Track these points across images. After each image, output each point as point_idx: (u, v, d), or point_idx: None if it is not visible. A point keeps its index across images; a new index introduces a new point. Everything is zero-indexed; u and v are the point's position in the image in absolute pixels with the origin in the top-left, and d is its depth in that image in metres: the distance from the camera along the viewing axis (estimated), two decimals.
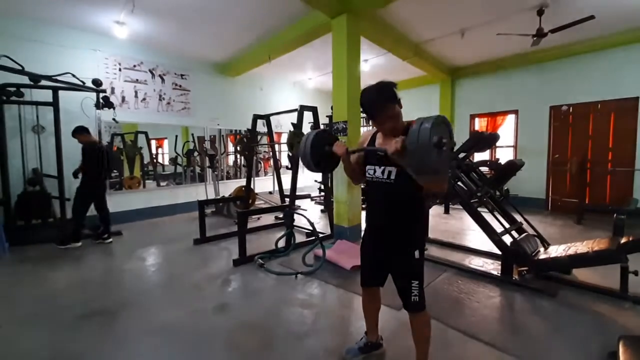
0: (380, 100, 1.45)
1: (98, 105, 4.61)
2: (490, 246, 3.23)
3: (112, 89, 5.30)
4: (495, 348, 1.94)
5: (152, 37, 5.29)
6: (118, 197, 5.51)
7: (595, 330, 2.12)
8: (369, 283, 1.77)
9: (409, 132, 1.25)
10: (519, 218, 3.38)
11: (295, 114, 4.35)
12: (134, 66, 5.58)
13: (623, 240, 2.50)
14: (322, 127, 5.20)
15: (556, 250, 2.87)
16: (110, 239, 4.37)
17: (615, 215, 2.86)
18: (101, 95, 4.62)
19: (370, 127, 6.87)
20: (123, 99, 5.46)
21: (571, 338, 2.04)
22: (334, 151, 1.62)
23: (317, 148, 1.66)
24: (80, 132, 4.13)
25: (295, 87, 8.52)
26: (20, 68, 3.96)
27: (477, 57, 6.60)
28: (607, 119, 5.64)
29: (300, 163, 1.77)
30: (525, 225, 3.31)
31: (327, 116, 6.25)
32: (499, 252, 3.05)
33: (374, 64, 6.44)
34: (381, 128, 1.53)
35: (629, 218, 2.99)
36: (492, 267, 3.24)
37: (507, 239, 2.98)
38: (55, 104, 4.29)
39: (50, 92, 4.25)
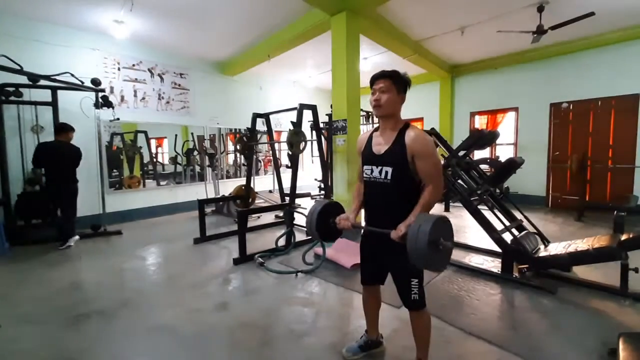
0: (380, 74, 1.53)
1: (97, 105, 4.60)
2: (490, 244, 3.22)
3: (111, 89, 5.29)
4: (496, 345, 1.93)
5: (151, 36, 5.28)
6: (118, 196, 5.51)
7: (596, 327, 2.12)
8: (369, 281, 1.77)
9: (409, 231, 1.31)
10: (519, 216, 3.38)
11: (295, 112, 4.34)
12: (133, 65, 5.57)
13: (623, 238, 2.49)
14: (321, 125, 5.19)
15: (556, 248, 2.87)
16: (66, 246, 3.99)
17: (615, 212, 2.86)
18: (100, 94, 4.61)
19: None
20: (122, 98, 5.45)
21: (571, 335, 2.04)
22: (339, 226, 1.67)
23: (323, 219, 1.71)
24: (68, 130, 4.12)
25: (295, 85, 8.51)
26: (18, 68, 3.95)
27: (477, 55, 6.59)
28: (608, 116, 5.63)
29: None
30: (525, 223, 3.31)
31: (326, 115, 6.24)
32: (499, 250, 3.05)
33: (373, 62, 6.42)
34: (372, 98, 1.55)
35: (629, 215, 2.99)
36: (492, 264, 3.24)
37: (507, 237, 2.97)
38: (54, 103, 4.30)
39: (49, 91, 4.26)
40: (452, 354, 1.88)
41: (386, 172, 1.52)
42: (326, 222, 1.71)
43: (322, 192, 6.83)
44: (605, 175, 5.70)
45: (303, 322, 2.28)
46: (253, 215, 5.60)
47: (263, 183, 7.60)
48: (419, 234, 1.26)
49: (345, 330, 2.18)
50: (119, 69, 5.39)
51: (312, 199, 7.26)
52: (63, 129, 4.09)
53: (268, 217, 5.57)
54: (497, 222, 3.17)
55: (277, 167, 5.76)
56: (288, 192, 4.54)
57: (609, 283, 2.61)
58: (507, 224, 3.18)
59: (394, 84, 1.50)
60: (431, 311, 1.69)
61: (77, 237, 4.17)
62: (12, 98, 4.15)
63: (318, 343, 2.01)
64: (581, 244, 2.71)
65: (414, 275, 1.54)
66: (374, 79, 1.55)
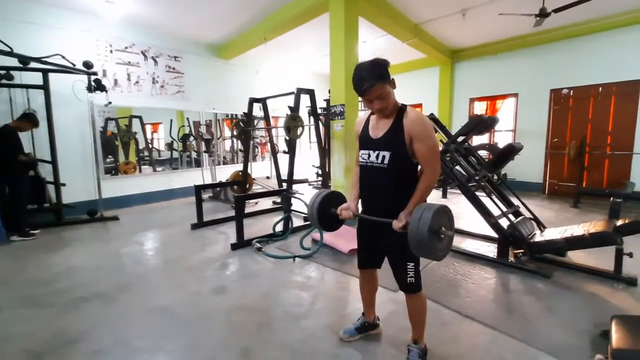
0: (369, 78, 1.38)
1: (90, 89, 4.49)
2: (486, 229, 3.24)
3: (104, 72, 5.16)
4: (490, 327, 1.97)
5: (143, 17, 5.11)
6: (114, 182, 5.47)
7: (589, 310, 2.16)
8: (366, 265, 1.78)
9: (411, 220, 1.31)
10: (516, 202, 3.39)
11: (292, 97, 4.27)
12: (126, 48, 5.42)
13: (619, 223, 2.51)
14: (319, 110, 5.13)
15: (552, 233, 2.89)
16: (21, 239, 3.79)
17: (611, 198, 2.87)
18: (92, 77, 4.50)
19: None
20: (115, 82, 5.32)
21: (565, 318, 2.07)
22: (341, 217, 1.67)
23: (324, 209, 1.70)
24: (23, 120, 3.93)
25: (292, 70, 8.35)
26: (9, 50, 3.82)
27: (478, 39, 6.47)
28: (608, 102, 5.59)
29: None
30: (522, 209, 3.32)
31: (324, 100, 6.15)
32: (495, 235, 3.07)
33: (372, 46, 6.29)
34: (370, 106, 1.48)
35: (625, 201, 3.00)
36: (488, 249, 3.26)
37: (504, 222, 2.99)
38: (45, 86, 4.20)
39: (40, 75, 4.14)
40: (448, 335, 1.91)
41: (383, 157, 1.49)
42: (327, 212, 1.71)
43: (320, 178, 6.82)
44: (602, 162, 5.71)
45: (301, 305, 2.30)
46: (250, 201, 5.59)
47: (260, 169, 7.58)
48: (421, 223, 1.26)
49: (342, 312, 2.20)
50: (111, 51, 5.24)
51: (310, 184, 7.27)
52: (24, 117, 3.92)
53: (265, 203, 5.56)
54: (495, 207, 3.18)
55: (274, 152, 5.72)
56: (285, 177, 4.52)
57: (603, 267, 2.64)
58: (504, 209, 3.19)
59: (384, 81, 1.39)
60: (427, 294, 1.70)
61: (34, 233, 3.90)
62: (4, 81, 4.04)
63: (315, 325, 2.04)
64: (577, 229, 2.73)
65: (410, 259, 1.54)
66: (365, 91, 1.39)
